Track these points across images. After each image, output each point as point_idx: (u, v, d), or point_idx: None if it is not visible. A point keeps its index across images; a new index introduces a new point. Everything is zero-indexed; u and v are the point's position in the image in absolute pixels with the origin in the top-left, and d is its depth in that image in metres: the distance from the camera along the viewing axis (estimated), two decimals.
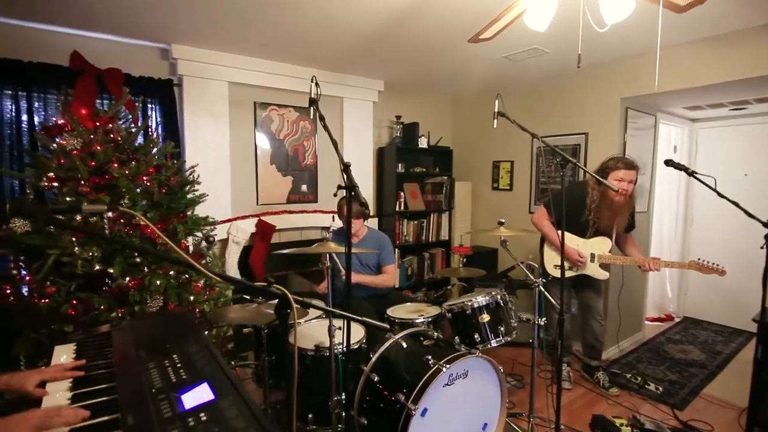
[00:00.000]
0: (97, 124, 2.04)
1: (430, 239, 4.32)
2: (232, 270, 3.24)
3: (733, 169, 3.99)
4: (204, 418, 0.88)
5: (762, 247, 2.08)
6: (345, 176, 1.37)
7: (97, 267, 1.94)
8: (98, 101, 2.34)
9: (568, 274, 2.76)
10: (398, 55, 3.19)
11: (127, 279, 2.00)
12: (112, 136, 2.08)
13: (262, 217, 3.39)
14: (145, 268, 2.07)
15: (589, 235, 2.74)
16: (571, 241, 2.73)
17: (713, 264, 2.37)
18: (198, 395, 0.98)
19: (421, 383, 1.76)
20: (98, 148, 1.99)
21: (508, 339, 2.30)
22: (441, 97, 4.67)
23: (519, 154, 4.07)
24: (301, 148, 3.69)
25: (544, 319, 2.21)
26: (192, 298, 2.23)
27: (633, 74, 3.15)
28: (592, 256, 2.72)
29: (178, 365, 1.13)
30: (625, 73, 3.20)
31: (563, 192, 2.20)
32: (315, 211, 3.73)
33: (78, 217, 1.85)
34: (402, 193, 4.14)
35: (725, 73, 2.70)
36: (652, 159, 3.66)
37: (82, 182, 1.91)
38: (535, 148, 3.92)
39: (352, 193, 1.34)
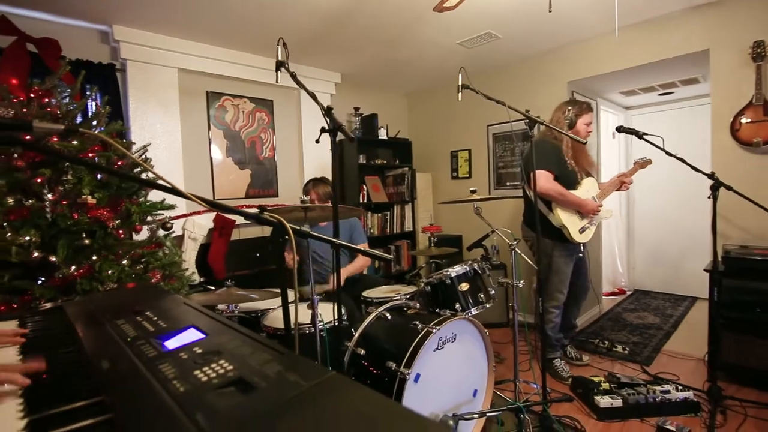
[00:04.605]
0: (32, 96, 1.81)
1: (395, 231, 4.30)
2: (190, 269, 2.99)
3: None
4: (198, 351, 0.75)
5: (708, 197, 2.27)
6: (328, 119, 1.30)
7: (36, 254, 1.69)
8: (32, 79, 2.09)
9: (588, 234, 2.64)
10: (355, 43, 3.19)
11: (73, 268, 1.77)
12: (49, 110, 1.85)
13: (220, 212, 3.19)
14: (94, 256, 1.85)
15: (579, 183, 2.67)
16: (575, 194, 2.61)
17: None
18: (184, 338, 0.85)
19: (412, 347, 1.70)
20: None
21: (487, 306, 2.31)
22: (396, 92, 4.73)
23: (476, 143, 4.19)
24: (258, 140, 3.54)
25: (521, 281, 2.24)
26: None
27: (578, 59, 3.38)
28: (594, 199, 2.66)
29: (154, 318, 0.98)
30: (570, 58, 3.43)
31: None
32: (276, 205, 3.57)
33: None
34: (365, 186, 4.10)
35: (656, 53, 2.97)
36: (597, 142, 3.91)
37: (15, 155, 1.67)
38: (491, 135, 4.06)
39: (336, 132, 1.27)
